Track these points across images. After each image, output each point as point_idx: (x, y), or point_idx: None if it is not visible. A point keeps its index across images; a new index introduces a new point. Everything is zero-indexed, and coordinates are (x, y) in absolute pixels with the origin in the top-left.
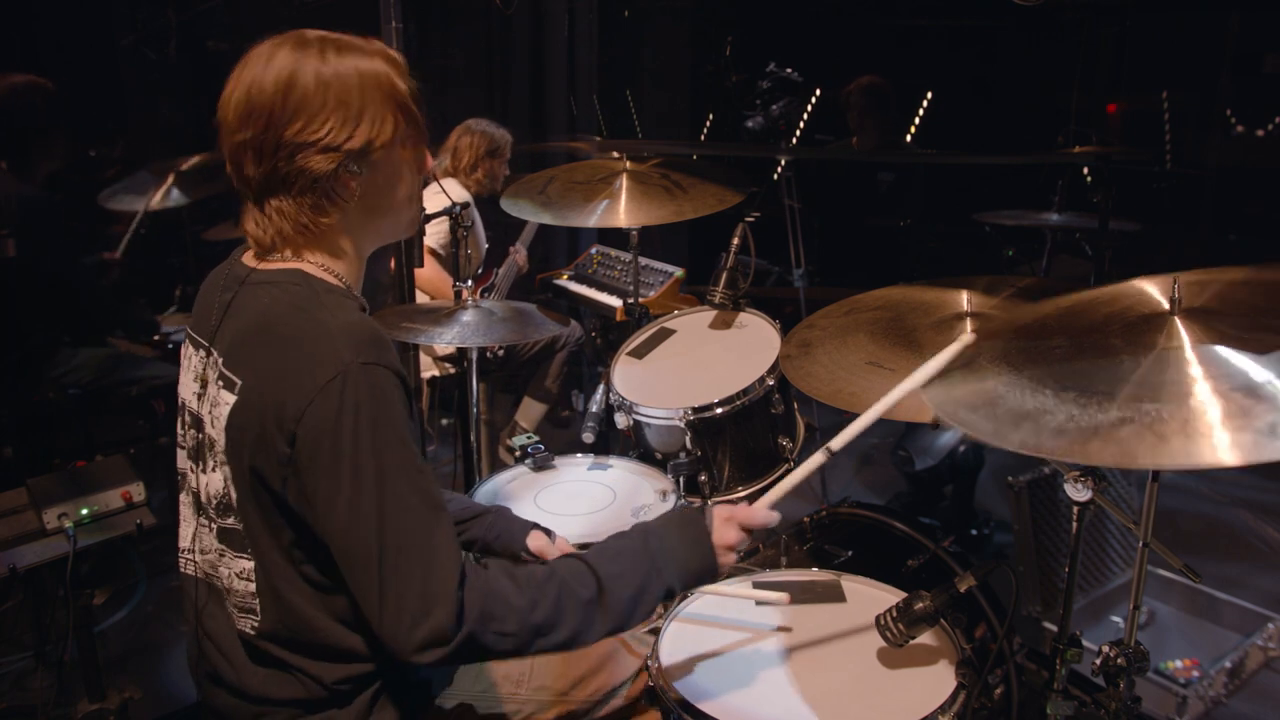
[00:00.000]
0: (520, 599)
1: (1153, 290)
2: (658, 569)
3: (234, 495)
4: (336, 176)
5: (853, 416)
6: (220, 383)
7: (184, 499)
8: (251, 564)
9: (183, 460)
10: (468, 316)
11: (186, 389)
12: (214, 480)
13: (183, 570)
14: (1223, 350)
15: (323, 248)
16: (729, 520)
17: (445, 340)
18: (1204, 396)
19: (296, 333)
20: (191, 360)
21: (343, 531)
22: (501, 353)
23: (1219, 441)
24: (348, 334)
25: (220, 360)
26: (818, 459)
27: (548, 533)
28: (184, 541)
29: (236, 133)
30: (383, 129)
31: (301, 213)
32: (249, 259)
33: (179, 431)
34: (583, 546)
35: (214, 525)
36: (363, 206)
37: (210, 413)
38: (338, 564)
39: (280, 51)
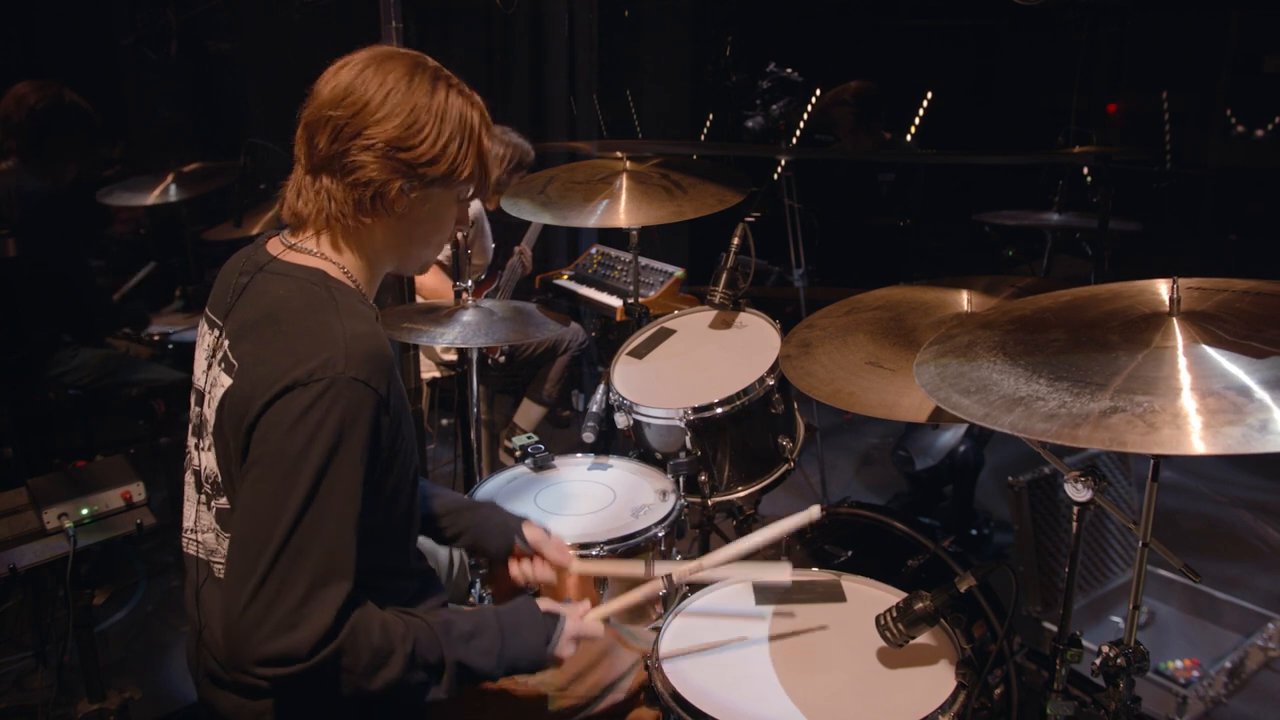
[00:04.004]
0: (382, 644)
1: (1153, 291)
2: (501, 664)
3: (220, 475)
4: (389, 185)
5: (855, 417)
6: (222, 365)
7: (187, 478)
8: None
9: (189, 437)
10: (468, 316)
11: (198, 365)
12: (209, 459)
13: (185, 550)
14: (1217, 353)
15: (346, 245)
16: (571, 638)
17: (446, 341)
18: (1198, 391)
19: (301, 329)
20: (205, 338)
21: (254, 514)
22: (503, 359)
23: (1210, 433)
24: (350, 344)
25: (226, 343)
26: (657, 586)
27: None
28: (187, 521)
29: (326, 108)
30: (462, 167)
31: (346, 203)
32: (273, 246)
33: (191, 408)
34: (583, 546)
35: (212, 504)
36: (400, 227)
37: (210, 392)
38: (230, 543)
39: (399, 62)
